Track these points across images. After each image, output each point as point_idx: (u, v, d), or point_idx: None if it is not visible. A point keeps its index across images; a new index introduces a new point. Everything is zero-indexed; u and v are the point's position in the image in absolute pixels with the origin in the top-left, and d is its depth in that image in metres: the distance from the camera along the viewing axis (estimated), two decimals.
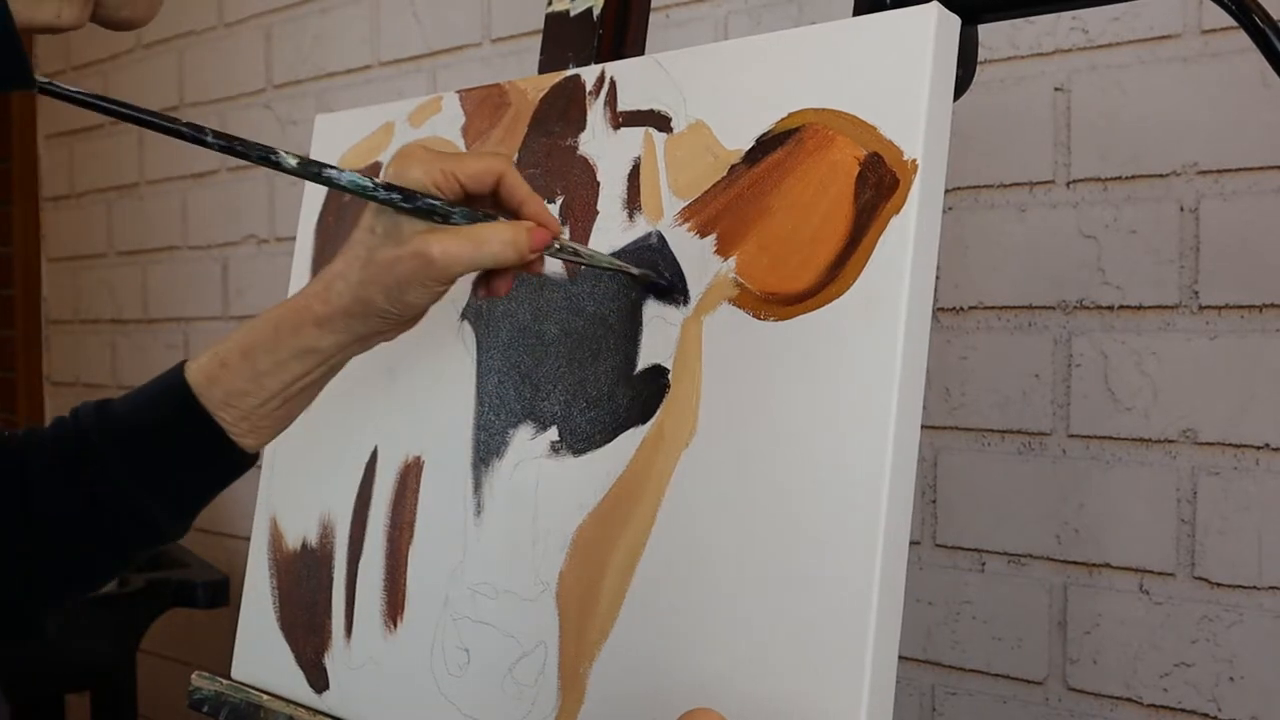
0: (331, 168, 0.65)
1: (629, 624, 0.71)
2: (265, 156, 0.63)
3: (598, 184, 0.80)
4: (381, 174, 0.69)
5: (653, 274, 0.74)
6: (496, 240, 0.67)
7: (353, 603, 0.90)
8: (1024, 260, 1.13)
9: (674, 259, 0.74)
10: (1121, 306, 1.07)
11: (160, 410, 0.74)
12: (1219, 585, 1.03)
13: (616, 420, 0.75)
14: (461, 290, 0.88)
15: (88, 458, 0.74)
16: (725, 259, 0.71)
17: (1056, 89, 1.11)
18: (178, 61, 2.09)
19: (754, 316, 0.69)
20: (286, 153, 0.64)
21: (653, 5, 1.02)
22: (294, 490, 0.97)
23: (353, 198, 0.99)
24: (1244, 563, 1.01)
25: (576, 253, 0.73)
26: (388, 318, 0.71)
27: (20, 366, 2.47)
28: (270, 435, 0.76)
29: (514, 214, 0.70)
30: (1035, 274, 1.12)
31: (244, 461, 0.76)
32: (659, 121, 0.78)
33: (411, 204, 0.66)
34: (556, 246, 0.71)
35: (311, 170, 0.65)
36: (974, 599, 1.16)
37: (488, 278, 0.72)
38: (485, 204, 0.70)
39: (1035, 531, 1.12)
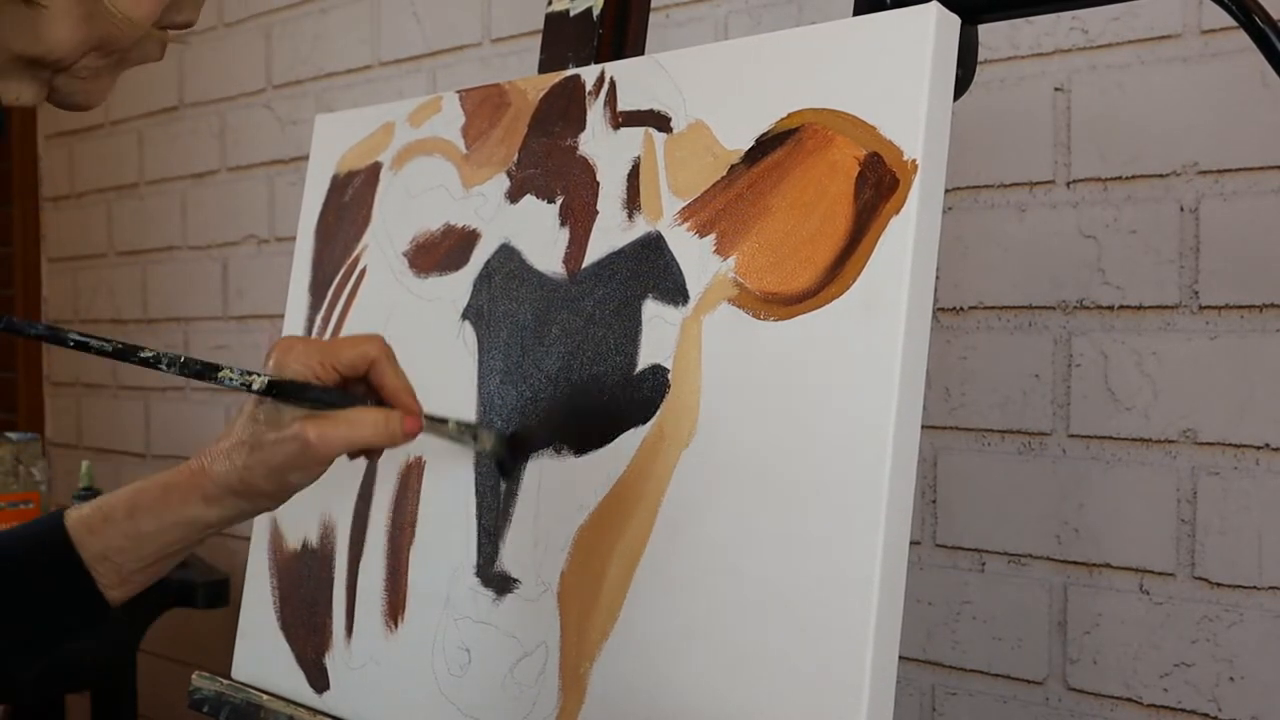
0: (220, 369, 0.71)
1: (630, 624, 0.71)
2: (147, 360, 0.70)
3: (597, 184, 0.80)
4: (267, 364, 0.74)
5: (501, 440, 0.82)
6: (369, 425, 0.73)
7: (353, 603, 0.90)
8: (1024, 260, 1.13)
9: (673, 259, 0.74)
10: (1121, 306, 1.07)
11: (34, 554, 0.76)
12: (1219, 585, 1.03)
13: (617, 420, 0.75)
14: (462, 290, 0.88)
15: None
16: (725, 259, 0.71)
17: (1056, 89, 1.11)
18: (178, 61, 2.09)
19: (754, 316, 0.69)
20: (172, 355, 0.71)
21: (653, 5, 1.02)
22: None
23: (354, 195, 0.99)
24: (1244, 563, 1.01)
25: (435, 423, 0.79)
26: (272, 497, 0.75)
27: (20, 366, 2.47)
28: (137, 590, 0.78)
29: (381, 395, 0.75)
30: (1035, 274, 1.12)
31: (106, 613, 0.77)
32: (659, 121, 0.78)
33: (284, 397, 0.72)
34: (423, 424, 0.76)
35: (197, 369, 0.71)
36: (974, 599, 1.16)
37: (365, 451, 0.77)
38: (360, 386, 0.75)
39: (1035, 531, 1.12)
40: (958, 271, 1.17)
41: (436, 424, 0.78)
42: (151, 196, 2.18)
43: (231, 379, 0.70)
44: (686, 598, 0.69)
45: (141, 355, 0.69)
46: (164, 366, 0.70)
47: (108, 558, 0.75)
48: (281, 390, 0.71)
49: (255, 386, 0.71)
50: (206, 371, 0.71)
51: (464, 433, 0.82)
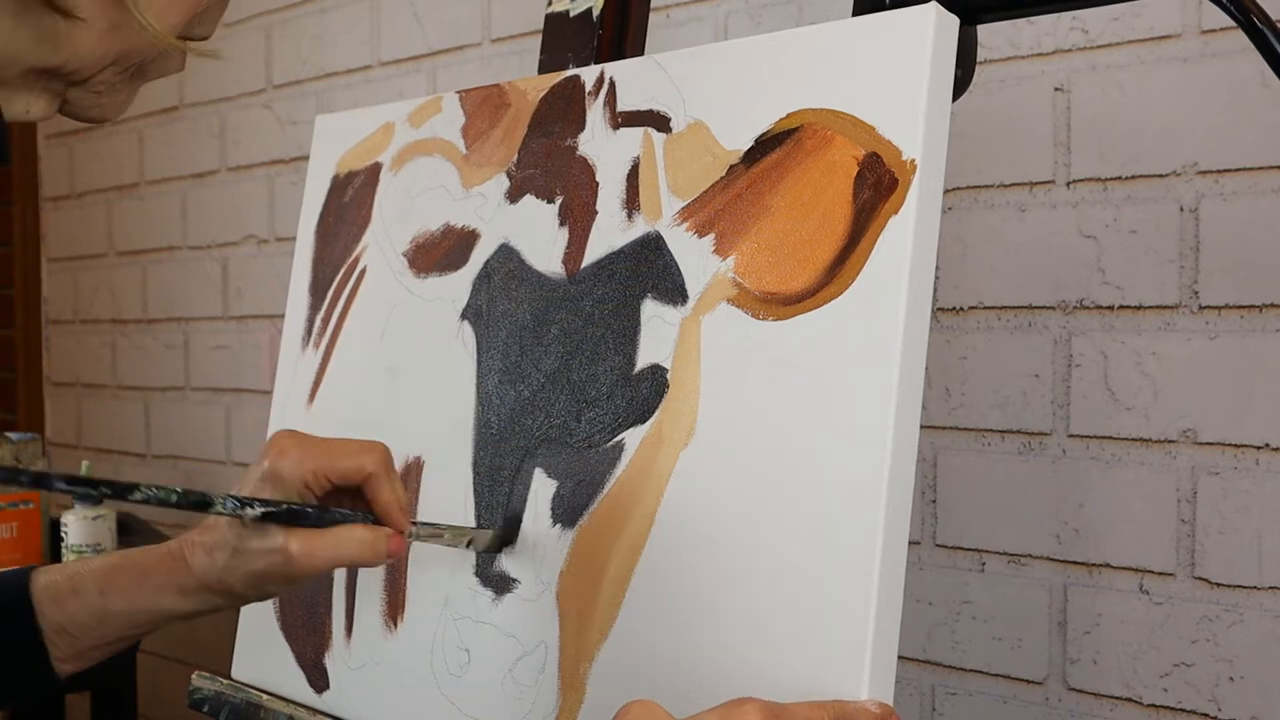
0: (212, 502, 0.69)
1: (629, 624, 0.71)
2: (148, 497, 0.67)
3: (597, 184, 0.80)
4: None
5: (496, 535, 0.80)
6: (354, 544, 0.71)
7: (353, 602, 0.90)
8: (1024, 260, 1.13)
9: (673, 259, 0.74)
10: (1121, 306, 1.07)
11: None
12: (1219, 585, 1.03)
13: (615, 420, 0.75)
14: (461, 290, 0.88)
15: None
16: (724, 259, 0.71)
17: (1056, 89, 1.11)
18: None
19: (753, 316, 0.69)
20: (159, 488, 0.68)
21: (653, 5, 1.02)
22: None
23: (354, 195, 0.99)
24: (1244, 563, 1.01)
25: (430, 536, 0.78)
26: (246, 599, 0.74)
27: (20, 366, 2.47)
28: (88, 665, 0.76)
29: (372, 509, 0.73)
30: (1035, 274, 1.12)
31: (53, 685, 0.74)
32: (658, 121, 0.78)
33: (272, 519, 0.70)
34: (414, 535, 0.75)
35: (190, 502, 0.68)
36: (974, 599, 1.16)
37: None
38: (353, 496, 0.73)
39: (1035, 531, 1.12)
40: (958, 271, 1.17)
41: (432, 534, 0.78)
42: (151, 196, 2.18)
43: (223, 510, 0.69)
44: (685, 598, 0.69)
45: (132, 498, 0.67)
46: (154, 503, 0.68)
47: (67, 631, 0.73)
48: (275, 518, 0.70)
49: (248, 516, 0.70)
50: (199, 505, 0.69)
51: (459, 539, 0.80)
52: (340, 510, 0.73)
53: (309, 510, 0.71)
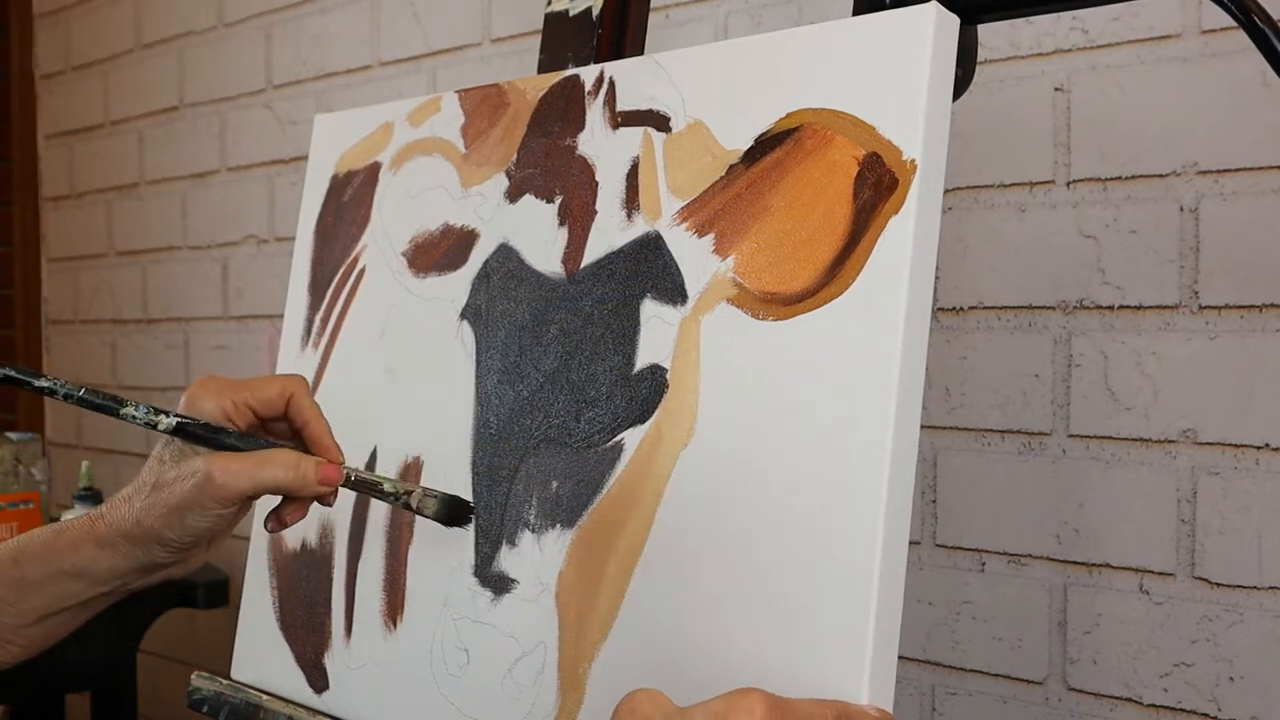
0: (123, 404, 0.67)
1: (628, 624, 0.71)
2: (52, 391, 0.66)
3: (596, 184, 0.80)
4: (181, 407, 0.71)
5: (443, 502, 0.77)
6: (277, 465, 0.68)
7: (352, 603, 0.90)
8: (1024, 260, 1.13)
9: (672, 259, 0.74)
10: (1121, 306, 1.07)
11: None
12: (1219, 585, 1.03)
13: (615, 420, 0.75)
14: (460, 290, 0.88)
15: None
16: (724, 259, 0.71)
17: (1056, 89, 1.11)
18: (178, 61, 2.09)
19: (752, 316, 0.69)
20: (72, 385, 0.67)
21: (652, 5, 1.02)
22: None
23: (353, 195, 0.99)
24: (1244, 563, 1.01)
25: (367, 483, 0.74)
26: (167, 545, 0.70)
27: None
28: (17, 657, 0.72)
29: (299, 433, 0.71)
30: (1035, 274, 1.12)
31: None
32: (658, 121, 0.78)
33: (192, 435, 0.68)
34: (352, 479, 0.72)
35: (96, 403, 0.67)
36: (974, 599, 1.16)
37: (278, 509, 0.72)
38: (283, 431, 0.72)
39: (1035, 531, 1.12)
40: (958, 271, 1.17)
41: (368, 483, 0.73)
42: (151, 196, 2.18)
43: (135, 417, 0.66)
44: (684, 598, 0.69)
45: (36, 385, 0.65)
46: (60, 397, 0.65)
47: None
48: (190, 432, 0.67)
49: (161, 426, 0.66)
50: (107, 406, 0.66)
51: (401, 496, 0.76)
52: (267, 439, 0.70)
53: (229, 430, 0.68)
